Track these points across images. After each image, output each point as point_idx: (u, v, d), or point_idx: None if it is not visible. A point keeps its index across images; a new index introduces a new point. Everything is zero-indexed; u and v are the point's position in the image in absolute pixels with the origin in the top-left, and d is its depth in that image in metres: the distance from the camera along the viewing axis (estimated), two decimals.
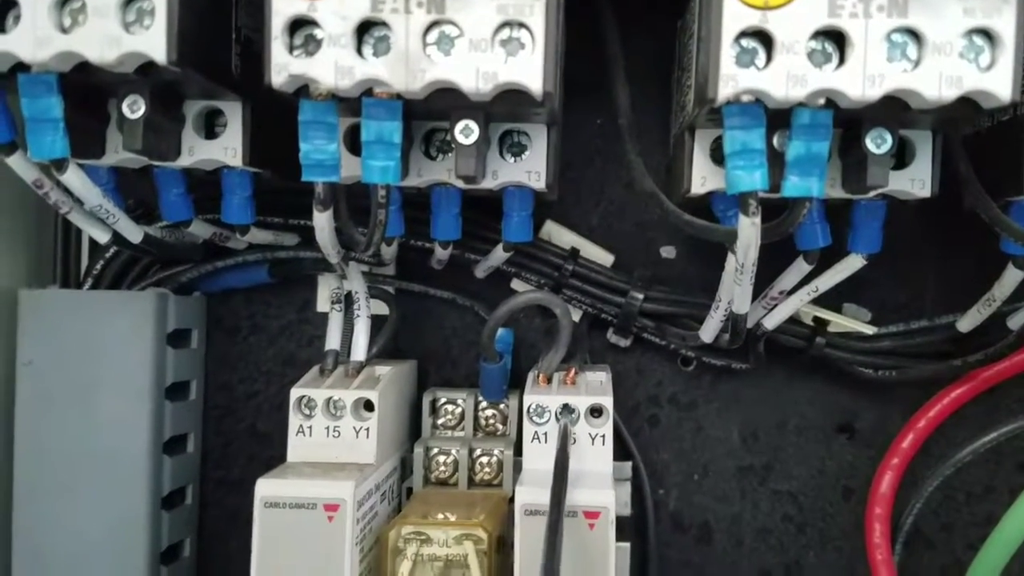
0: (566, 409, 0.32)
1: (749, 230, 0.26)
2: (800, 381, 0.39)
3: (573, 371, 0.35)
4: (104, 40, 0.25)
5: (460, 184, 0.30)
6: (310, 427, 0.32)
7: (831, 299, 0.37)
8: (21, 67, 0.26)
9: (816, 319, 0.36)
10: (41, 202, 0.36)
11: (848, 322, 0.36)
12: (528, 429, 0.32)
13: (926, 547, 0.38)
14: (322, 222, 0.28)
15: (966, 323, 0.34)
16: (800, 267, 0.31)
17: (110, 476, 0.35)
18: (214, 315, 0.40)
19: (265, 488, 0.29)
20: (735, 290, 0.29)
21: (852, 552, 0.38)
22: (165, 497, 0.36)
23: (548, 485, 0.29)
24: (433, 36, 0.25)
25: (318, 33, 0.25)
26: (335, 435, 0.32)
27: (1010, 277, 0.31)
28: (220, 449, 0.40)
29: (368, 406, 0.33)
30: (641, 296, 0.37)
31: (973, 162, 0.30)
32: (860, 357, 0.36)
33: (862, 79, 0.24)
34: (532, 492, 0.29)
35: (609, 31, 0.35)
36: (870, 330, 0.36)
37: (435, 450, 0.36)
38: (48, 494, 0.35)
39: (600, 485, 0.30)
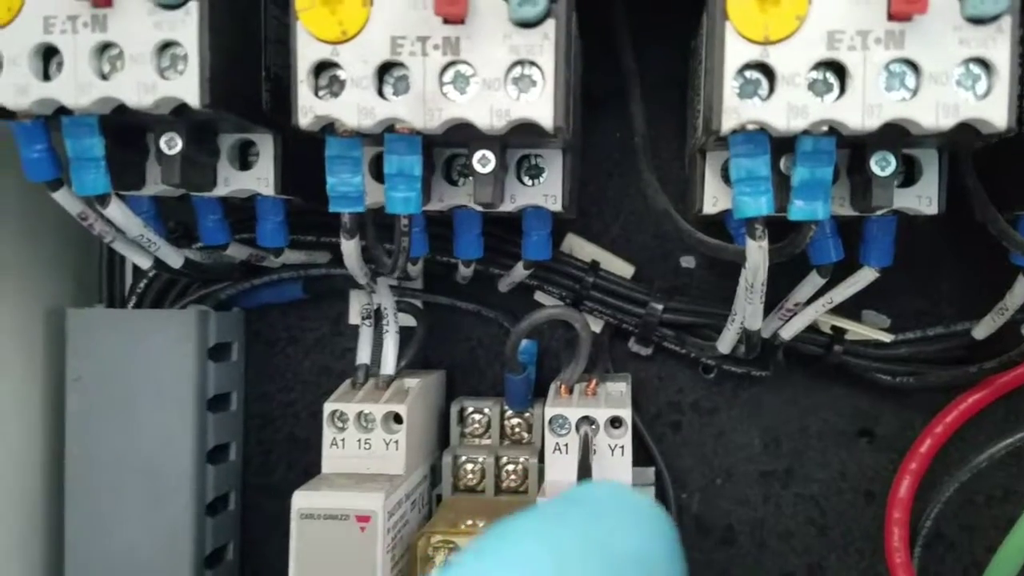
0: (586, 420, 0.33)
1: (756, 253, 0.27)
2: (820, 387, 0.39)
3: (594, 382, 0.36)
4: (140, 86, 0.26)
5: (479, 208, 0.31)
6: (343, 439, 0.34)
7: (850, 306, 0.37)
8: (64, 110, 0.28)
9: (834, 327, 0.37)
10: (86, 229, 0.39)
11: (865, 330, 0.36)
12: (550, 440, 0.34)
13: (947, 549, 0.39)
14: (349, 249, 0.29)
15: (981, 331, 0.35)
16: (814, 280, 0.32)
17: (156, 484, 0.37)
18: (252, 329, 0.42)
19: (301, 501, 0.31)
20: (746, 308, 0.30)
21: (874, 554, 0.39)
22: (209, 504, 0.38)
23: None
24: (449, 76, 0.26)
25: (341, 74, 0.26)
26: (366, 447, 0.34)
27: (1021, 288, 0.32)
28: (260, 457, 0.42)
29: (397, 419, 0.34)
30: (661, 307, 0.38)
31: (983, 176, 0.31)
32: (878, 364, 0.37)
33: (861, 109, 0.24)
34: None
35: (624, 47, 0.36)
36: (887, 338, 0.36)
37: (463, 458, 0.37)
38: (97, 502, 0.37)
39: None
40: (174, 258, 0.33)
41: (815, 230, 0.27)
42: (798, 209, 0.26)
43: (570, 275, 0.38)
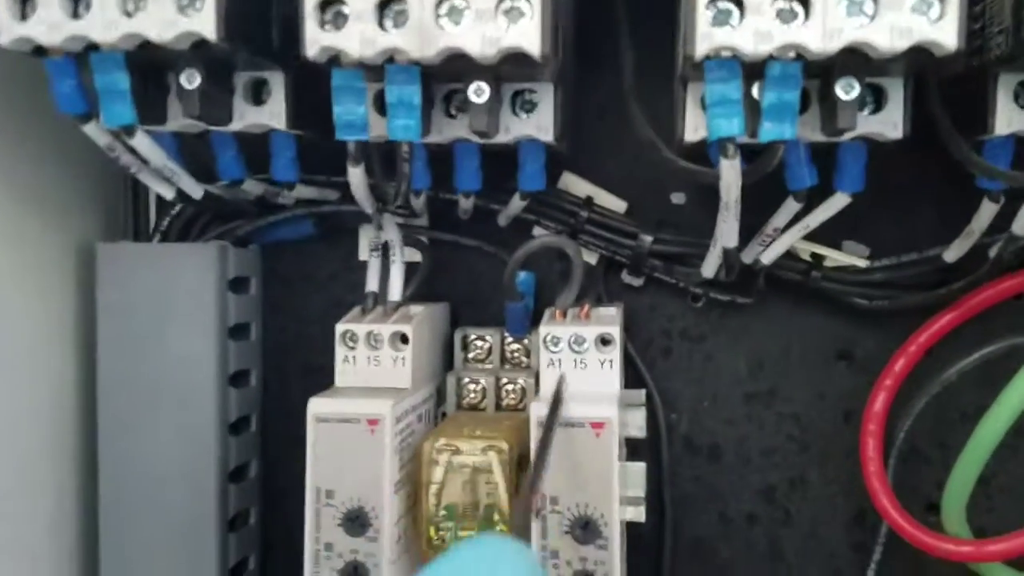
0: (577, 339, 0.36)
1: (729, 171, 0.29)
2: (801, 313, 0.42)
3: (587, 307, 0.39)
4: (162, 22, 0.29)
5: (477, 139, 0.33)
6: (354, 357, 0.37)
7: (832, 237, 0.40)
8: (92, 47, 0.30)
9: (813, 255, 0.39)
10: (112, 167, 0.41)
11: (842, 256, 0.39)
12: (544, 356, 0.36)
13: (923, 463, 0.41)
14: (356, 176, 0.32)
15: (951, 254, 0.37)
16: (790, 206, 0.34)
17: (183, 406, 0.40)
18: (270, 267, 0.44)
19: (316, 406, 0.34)
20: (722, 226, 0.32)
21: (852, 468, 0.41)
22: (232, 424, 0.41)
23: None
24: (444, 8, 0.28)
25: (345, 9, 0.28)
26: (375, 363, 0.36)
27: (986, 210, 0.34)
28: (279, 383, 0.44)
29: (404, 339, 0.37)
30: (650, 239, 0.40)
31: (948, 104, 0.33)
32: (855, 288, 0.39)
33: (823, 33, 0.27)
34: (545, 407, 0.33)
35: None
36: (863, 263, 0.39)
37: (466, 379, 0.40)
38: (129, 423, 0.40)
39: (607, 402, 0.34)
40: (195, 189, 0.35)
41: (784, 150, 0.29)
42: (767, 131, 0.29)
43: (566, 210, 0.41)
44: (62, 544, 0.41)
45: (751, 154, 0.31)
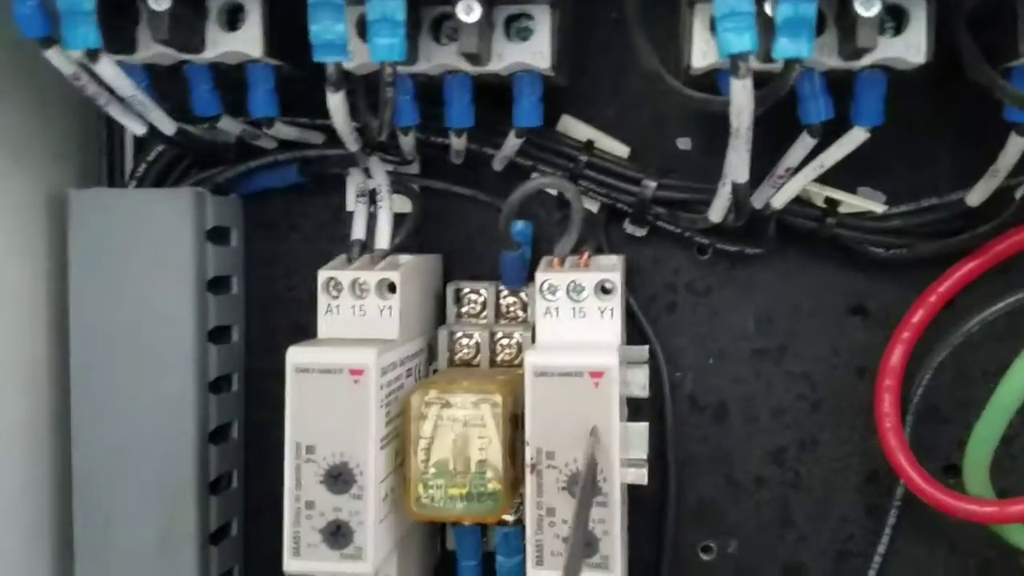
0: (576, 286, 0.34)
1: (741, 93, 0.27)
2: (814, 265, 0.40)
3: (586, 255, 0.36)
4: None
5: (468, 67, 0.31)
6: (337, 306, 0.34)
7: (846, 184, 0.38)
8: None
9: (828, 200, 0.37)
10: (86, 110, 0.39)
11: (858, 201, 0.36)
12: (540, 305, 0.34)
13: (941, 422, 0.39)
14: (336, 103, 0.30)
15: (975, 196, 0.35)
16: (805, 142, 0.32)
17: (159, 362, 0.38)
18: (252, 219, 0.42)
19: (296, 355, 0.32)
20: (732, 157, 0.30)
21: (865, 428, 0.39)
22: (212, 382, 0.39)
23: (558, 352, 0.31)
24: None
25: None
26: (361, 313, 0.34)
27: (1013, 146, 0.32)
28: (263, 341, 0.42)
29: (391, 287, 0.35)
30: (654, 184, 0.38)
31: (973, 31, 0.30)
32: (871, 236, 0.37)
33: None
34: (542, 355, 0.31)
35: None
36: (879, 208, 0.37)
37: (459, 334, 0.38)
38: (103, 380, 0.38)
39: (606, 350, 0.32)
40: (167, 124, 0.33)
41: (799, 80, 0.27)
42: (783, 47, 0.26)
43: (564, 154, 0.38)
44: (35, 507, 0.38)
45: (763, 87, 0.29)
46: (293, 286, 0.42)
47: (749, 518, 0.41)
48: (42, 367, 0.39)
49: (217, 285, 0.39)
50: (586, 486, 0.29)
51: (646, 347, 0.39)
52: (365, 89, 0.32)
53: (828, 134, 0.33)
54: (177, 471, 0.38)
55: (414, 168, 0.41)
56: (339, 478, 0.31)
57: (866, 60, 0.29)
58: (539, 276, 0.34)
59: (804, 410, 0.40)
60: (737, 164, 0.30)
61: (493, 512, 0.32)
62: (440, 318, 0.40)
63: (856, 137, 0.32)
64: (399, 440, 0.33)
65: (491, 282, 0.40)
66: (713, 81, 0.32)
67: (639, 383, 0.36)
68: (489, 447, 0.32)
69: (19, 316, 0.38)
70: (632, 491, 0.37)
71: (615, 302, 0.34)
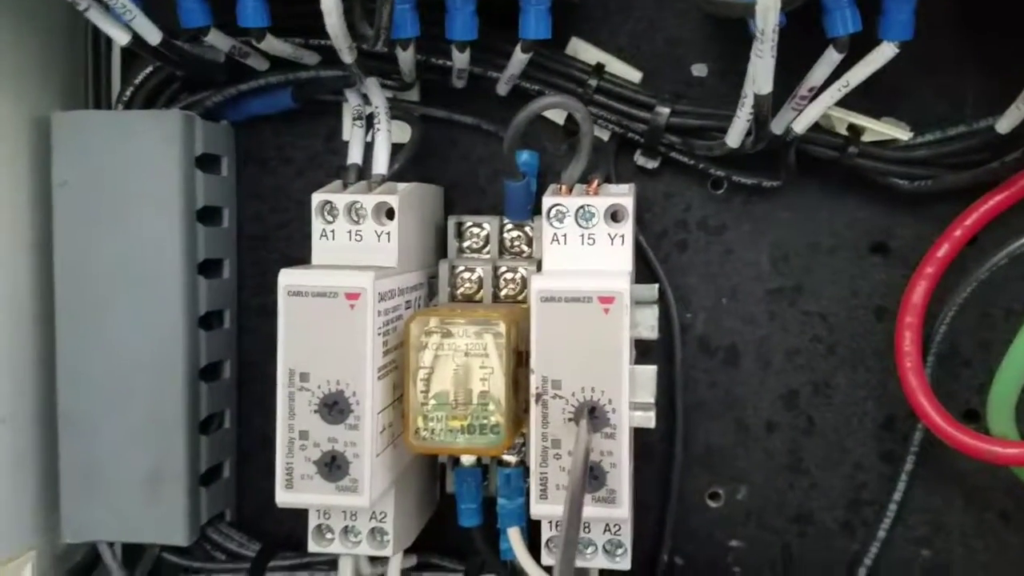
0: (585, 212, 0.32)
1: None
2: (833, 199, 0.38)
3: (596, 183, 0.34)
4: None
5: None
6: (332, 231, 0.33)
7: (871, 113, 0.36)
8: None
9: (851, 127, 0.35)
10: (73, 31, 0.37)
11: (883, 127, 0.35)
12: (547, 232, 0.32)
13: (963, 366, 0.38)
14: (329, 6, 0.27)
15: (1005, 123, 0.33)
16: (831, 57, 0.30)
17: (147, 294, 0.36)
18: (244, 148, 0.40)
19: (288, 278, 0.30)
20: (756, 64, 0.28)
21: (884, 371, 0.38)
22: (202, 317, 0.37)
23: (565, 277, 0.29)
24: None
25: None
26: (357, 239, 0.32)
27: None
28: (256, 278, 0.41)
29: (389, 213, 0.33)
30: (668, 110, 0.36)
31: None
32: (894, 167, 0.35)
33: None
34: (548, 280, 0.29)
35: None
36: (905, 136, 0.35)
37: (460, 268, 0.36)
38: (88, 312, 0.36)
39: (616, 275, 0.30)
40: (152, 32, 0.31)
41: None
42: None
43: (573, 78, 0.36)
44: (19, 443, 0.37)
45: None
46: (286, 221, 0.40)
47: (759, 464, 0.39)
48: (25, 298, 0.37)
49: (207, 215, 0.38)
50: (578, 482, 0.27)
51: (656, 286, 0.38)
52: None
53: (852, 57, 0.31)
54: (166, 408, 0.36)
55: (414, 95, 0.39)
56: (334, 407, 0.30)
57: None
58: (547, 201, 0.32)
59: (819, 353, 0.38)
60: (762, 72, 0.28)
61: (495, 445, 0.30)
62: (441, 253, 0.38)
63: (884, 52, 0.30)
64: (397, 373, 0.32)
65: (494, 216, 0.38)
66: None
67: (648, 324, 0.34)
68: (492, 378, 0.30)
69: (3, 241, 0.36)
70: (638, 436, 0.35)
71: (627, 229, 0.32)
